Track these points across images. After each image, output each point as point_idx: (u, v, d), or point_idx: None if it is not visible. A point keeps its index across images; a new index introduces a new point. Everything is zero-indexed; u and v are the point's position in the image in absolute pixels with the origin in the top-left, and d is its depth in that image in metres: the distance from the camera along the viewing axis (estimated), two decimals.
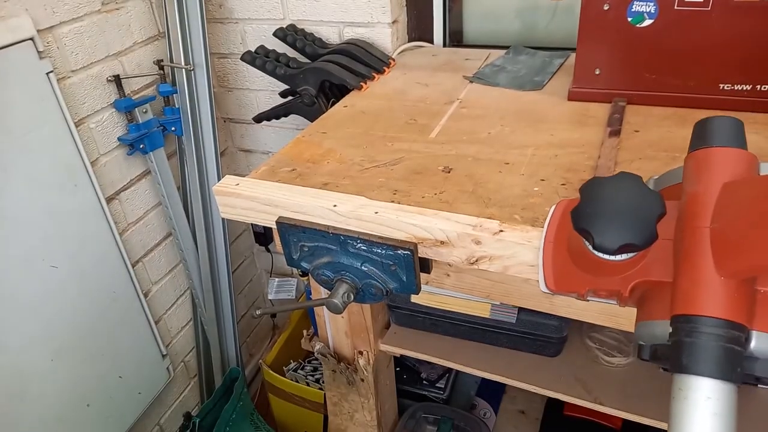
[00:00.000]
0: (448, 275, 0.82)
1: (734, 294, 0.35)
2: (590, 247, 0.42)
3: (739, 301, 0.35)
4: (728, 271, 0.35)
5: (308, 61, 1.23)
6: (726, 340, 0.34)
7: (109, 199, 1.25)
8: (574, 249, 0.45)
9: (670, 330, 0.36)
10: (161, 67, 1.30)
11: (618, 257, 0.41)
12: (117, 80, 1.21)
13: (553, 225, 0.49)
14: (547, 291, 0.48)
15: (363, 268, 0.72)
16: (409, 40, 1.33)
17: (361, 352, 1.11)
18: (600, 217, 0.39)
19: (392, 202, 0.72)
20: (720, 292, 0.35)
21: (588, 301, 0.46)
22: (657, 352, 0.38)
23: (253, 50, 1.22)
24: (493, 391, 1.43)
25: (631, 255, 0.41)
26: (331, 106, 1.07)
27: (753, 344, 0.35)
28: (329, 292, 0.75)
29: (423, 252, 0.69)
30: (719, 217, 0.36)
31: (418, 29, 1.34)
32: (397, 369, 1.36)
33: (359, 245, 0.71)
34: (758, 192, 0.35)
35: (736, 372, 0.33)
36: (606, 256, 0.41)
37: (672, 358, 0.35)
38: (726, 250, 0.35)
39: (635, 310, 0.69)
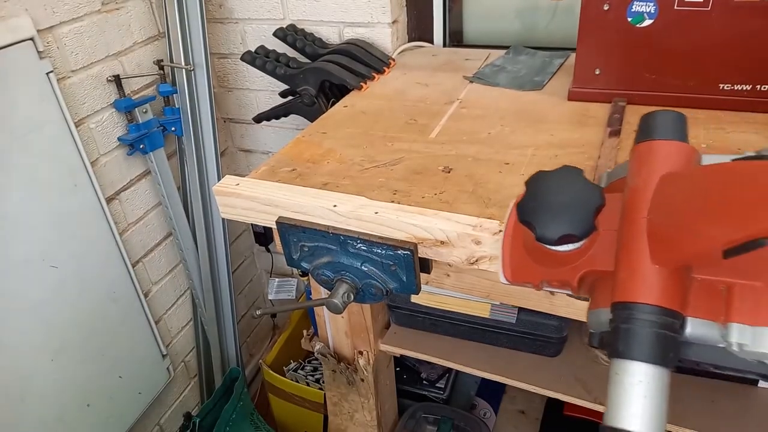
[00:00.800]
0: (448, 275, 0.82)
1: (669, 282, 0.36)
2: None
3: (673, 289, 0.36)
4: (663, 260, 0.36)
5: (308, 61, 1.23)
6: (659, 326, 0.35)
7: (109, 200, 1.25)
8: (527, 241, 0.47)
9: (610, 317, 0.38)
10: (161, 67, 1.30)
11: (562, 248, 0.43)
12: (117, 80, 1.21)
13: (512, 218, 0.51)
14: (506, 282, 0.50)
15: (363, 268, 0.72)
16: (409, 40, 1.33)
17: (361, 352, 1.11)
18: (542, 210, 0.41)
19: (392, 202, 0.72)
20: (655, 280, 0.36)
21: (544, 290, 0.48)
22: (602, 338, 0.39)
23: (253, 50, 1.22)
24: (493, 391, 1.43)
25: (576, 246, 0.43)
26: (331, 106, 1.07)
27: (688, 330, 0.37)
28: (329, 292, 0.75)
29: (423, 252, 0.69)
30: (656, 208, 0.38)
31: (418, 29, 1.34)
32: (397, 369, 1.36)
33: (359, 245, 0.71)
34: (691, 183, 0.37)
35: (668, 357, 0.35)
36: (552, 247, 0.43)
37: (610, 343, 0.37)
38: (660, 239, 0.37)
39: None
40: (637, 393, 0.34)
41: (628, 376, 0.35)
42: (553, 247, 0.43)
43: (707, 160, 0.40)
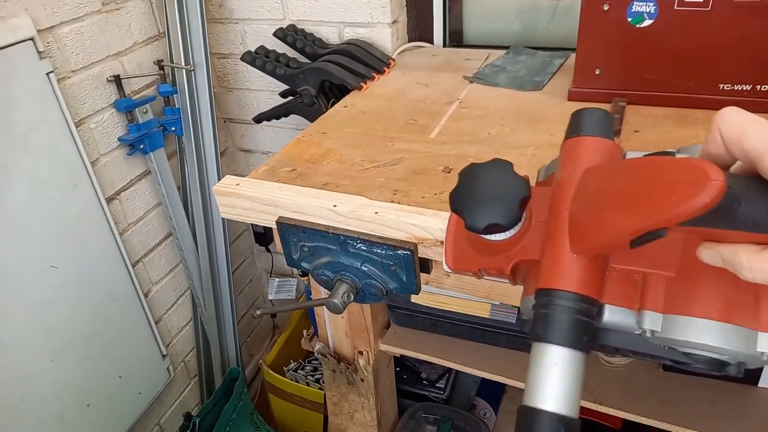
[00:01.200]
0: (448, 275, 0.82)
1: (587, 271, 0.38)
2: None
3: (591, 277, 0.38)
4: (580, 249, 0.38)
5: (308, 61, 1.23)
6: (576, 312, 0.37)
7: (109, 200, 1.25)
8: (467, 231, 0.49)
9: (533, 303, 0.40)
10: (161, 67, 1.30)
11: (493, 237, 0.45)
12: (117, 80, 1.21)
13: (452, 224, 0.54)
14: (448, 269, 0.52)
15: (363, 268, 0.72)
16: (409, 40, 1.33)
17: (361, 352, 1.11)
18: (471, 200, 0.44)
19: (392, 202, 0.72)
20: (573, 268, 0.38)
21: (483, 278, 0.51)
22: (528, 328, 0.42)
23: (253, 50, 1.22)
24: (493, 391, 1.43)
25: (506, 236, 0.45)
26: (331, 106, 1.07)
27: (605, 317, 0.39)
28: (329, 292, 0.75)
29: (423, 252, 0.69)
30: (576, 199, 0.40)
31: (418, 29, 1.34)
32: (397, 369, 1.36)
33: (359, 245, 0.71)
34: (606, 176, 0.39)
35: (583, 341, 0.37)
36: (483, 236, 0.45)
37: (531, 327, 0.38)
38: (579, 230, 0.39)
39: None
40: (553, 375, 0.36)
41: (545, 358, 0.36)
42: (484, 236, 0.45)
43: (629, 155, 0.43)
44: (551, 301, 0.38)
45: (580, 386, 0.36)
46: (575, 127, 0.45)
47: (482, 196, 0.43)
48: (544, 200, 0.43)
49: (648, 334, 0.38)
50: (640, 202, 0.33)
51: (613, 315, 0.39)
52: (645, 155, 0.38)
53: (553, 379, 0.36)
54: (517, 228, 0.44)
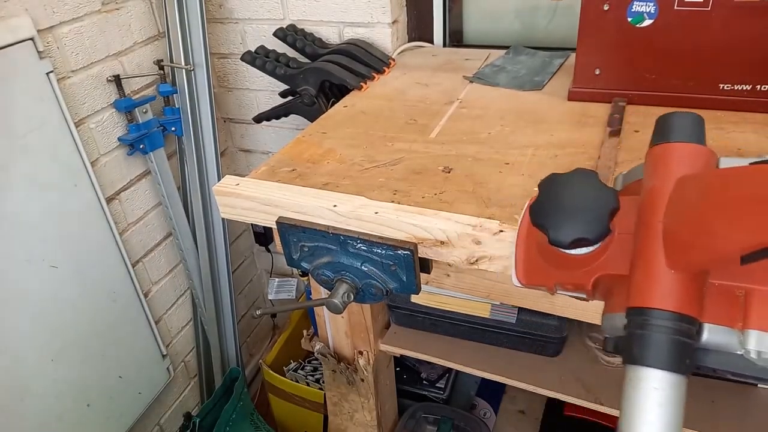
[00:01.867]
0: (448, 275, 0.82)
1: (685, 287, 0.36)
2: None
3: (690, 295, 0.36)
4: (678, 264, 0.36)
5: (308, 61, 1.23)
6: (675, 333, 0.34)
7: (109, 199, 1.25)
8: (541, 244, 0.47)
9: (625, 322, 0.37)
10: (161, 67, 1.30)
11: (576, 251, 0.42)
12: (117, 80, 1.21)
13: (525, 220, 0.51)
14: (519, 285, 0.49)
15: (363, 268, 0.72)
16: (409, 40, 1.33)
17: (361, 352, 1.11)
18: (555, 213, 0.41)
19: (392, 202, 0.72)
20: (671, 285, 0.35)
21: (558, 294, 0.47)
22: (618, 344, 0.39)
23: (253, 50, 1.22)
24: (493, 391, 1.43)
25: (589, 249, 0.42)
26: (331, 106, 1.07)
27: (704, 337, 0.36)
28: (329, 292, 0.75)
29: (423, 252, 0.69)
30: (672, 211, 0.37)
31: (418, 29, 1.34)
32: (397, 369, 1.36)
33: (359, 245, 0.71)
34: (709, 186, 0.36)
35: (684, 364, 0.34)
36: (565, 251, 0.43)
37: (625, 349, 0.36)
38: (676, 244, 0.36)
39: None
40: (652, 401, 0.34)
41: (644, 382, 0.34)
42: (567, 251, 0.43)
43: (725, 163, 0.40)
44: (647, 321, 0.35)
45: (682, 414, 0.34)
46: (663, 132, 0.42)
47: (567, 208, 0.41)
48: (629, 210, 0.40)
49: (753, 355, 0.35)
50: (757, 215, 0.30)
51: (713, 335, 0.36)
52: (752, 163, 0.35)
53: (654, 406, 0.33)
54: (598, 244, 0.41)
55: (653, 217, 0.38)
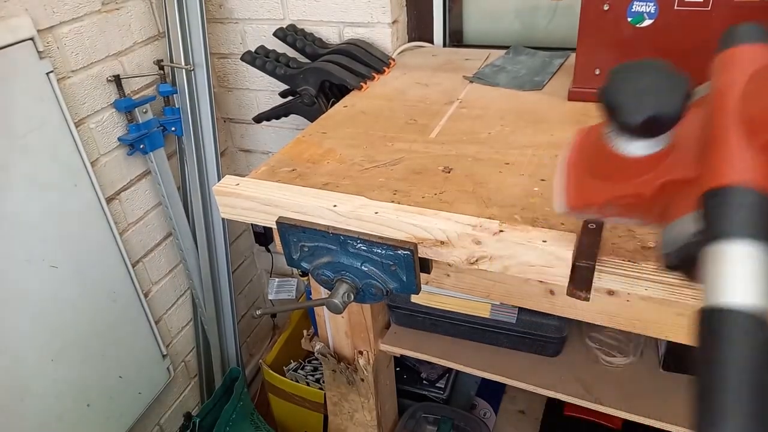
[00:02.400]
0: (448, 275, 0.82)
1: (765, 164, 0.34)
2: (613, 138, 0.42)
3: None
4: (757, 144, 0.35)
5: (308, 61, 1.23)
6: (755, 206, 0.33)
7: (109, 199, 1.25)
8: (594, 160, 0.45)
9: (699, 213, 0.35)
10: (161, 67, 1.30)
11: (638, 149, 0.41)
12: (117, 80, 1.21)
13: (574, 147, 0.50)
14: (564, 210, 0.48)
15: (363, 268, 0.72)
16: (409, 40, 1.33)
17: (361, 352, 1.11)
18: (627, 93, 0.39)
19: (392, 202, 0.72)
20: (752, 162, 0.34)
21: (604, 221, 0.47)
22: (683, 253, 0.37)
23: (253, 50, 1.22)
24: (493, 391, 1.43)
25: (655, 147, 0.40)
26: (331, 106, 1.07)
27: None
28: (329, 292, 0.75)
29: (423, 252, 0.69)
30: (749, 96, 0.36)
31: (418, 29, 1.34)
32: (397, 369, 1.36)
33: (359, 245, 0.71)
34: None
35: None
36: (628, 151, 0.41)
37: (703, 233, 0.34)
38: (756, 124, 0.35)
39: (634, 311, 0.69)
40: (743, 269, 0.31)
41: (730, 255, 0.32)
42: (626, 149, 0.41)
43: None
44: (727, 199, 0.33)
45: None
46: (728, 40, 0.41)
47: (640, 87, 0.39)
48: (693, 120, 0.39)
49: None
50: None
51: None
52: None
53: (745, 273, 0.30)
54: (663, 141, 0.40)
55: (726, 107, 0.37)
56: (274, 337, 1.75)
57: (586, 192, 0.46)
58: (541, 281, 0.67)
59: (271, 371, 1.55)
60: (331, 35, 1.30)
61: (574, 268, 0.61)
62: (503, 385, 1.44)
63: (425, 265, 0.74)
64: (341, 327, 1.09)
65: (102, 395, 1.29)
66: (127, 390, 1.37)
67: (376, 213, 0.68)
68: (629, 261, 0.61)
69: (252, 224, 1.21)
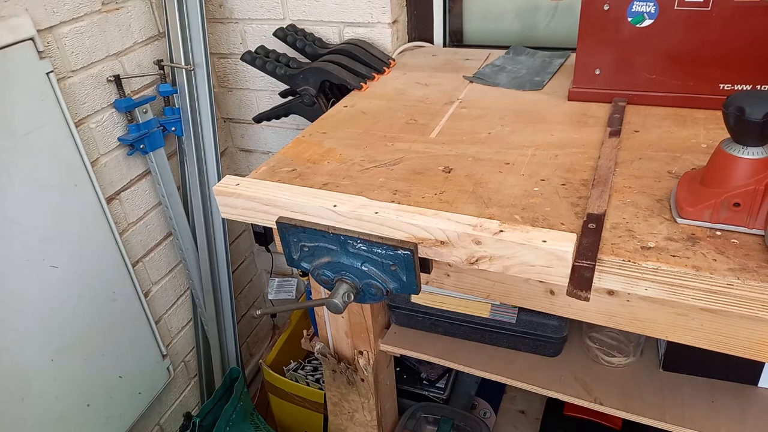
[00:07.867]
0: (448, 275, 0.82)
1: None
2: (731, 146, 0.57)
3: None
4: None
5: (308, 61, 1.23)
6: None
7: (109, 199, 1.25)
8: (708, 171, 0.59)
9: None
10: (161, 67, 1.30)
11: (754, 152, 0.54)
12: (117, 80, 1.21)
13: (683, 179, 0.66)
14: (683, 221, 0.61)
15: (363, 268, 0.72)
16: (409, 40, 1.33)
17: (361, 352, 1.11)
18: (750, 96, 0.54)
19: (392, 202, 0.72)
20: None
21: (714, 226, 0.59)
22: None
23: (253, 50, 1.22)
24: (493, 391, 1.43)
25: (765, 152, 0.55)
26: (331, 106, 1.07)
27: None
28: (329, 292, 0.75)
29: (423, 252, 0.69)
30: None
31: (418, 29, 1.34)
32: (397, 369, 1.36)
33: (359, 245, 0.71)
34: None
35: None
36: (745, 155, 0.55)
37: None
38: None
39: (634, 311, 0.69)
40: None
41: None
42: (747, 153, 0.55)
43: None
44: None
45: None
46: None
47: (761, 94, 0.54)
48: None
49: None
50: None
51: None
52: None
53: None
54: None
55: None
56: (274, 337, 1.75)
57: (700, 199, 0.58)
58: (541, 281, 0.67)
59: (271, 371, 1.55)
60: (331, 35, 1.30)
61: (574, 268, 0.61)
62: (503, 385, 1.44)
63: (425, 265, 0.74)
64: (341, 327, 1.09)
65: (102, 395, 1.29)
66: (127, 390, 1.37)
67: (376, 213, 0.68)
68: (629, 261, 0.61)
69: (252, 224, 1.21)
